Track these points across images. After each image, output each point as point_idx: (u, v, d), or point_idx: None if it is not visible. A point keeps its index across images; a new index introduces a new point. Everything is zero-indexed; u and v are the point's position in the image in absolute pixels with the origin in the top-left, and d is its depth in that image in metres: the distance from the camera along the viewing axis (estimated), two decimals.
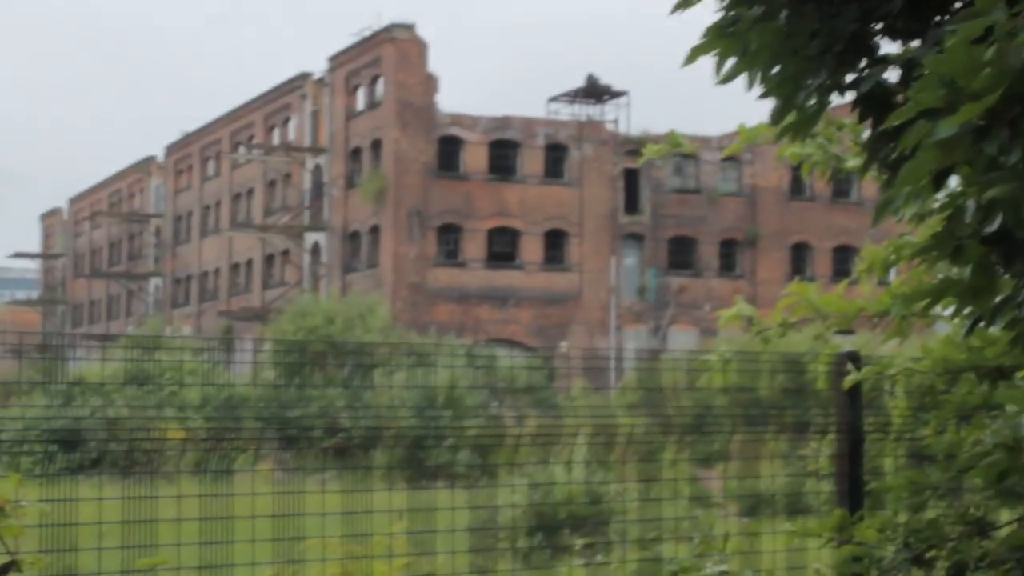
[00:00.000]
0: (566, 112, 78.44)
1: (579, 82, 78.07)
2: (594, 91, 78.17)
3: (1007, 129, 3.21)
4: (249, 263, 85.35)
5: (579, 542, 7.50)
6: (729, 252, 76.89)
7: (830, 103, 4.22)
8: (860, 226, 73.25)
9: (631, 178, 74.42)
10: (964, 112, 3.11)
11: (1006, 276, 3.76)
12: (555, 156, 73.34)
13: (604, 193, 73.59)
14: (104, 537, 5.45)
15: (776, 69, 4.15)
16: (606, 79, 78.39)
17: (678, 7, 4.19)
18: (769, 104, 4.28)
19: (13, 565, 4.81)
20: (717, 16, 4.17)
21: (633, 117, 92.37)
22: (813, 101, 4.19)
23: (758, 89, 4.19)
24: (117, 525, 5.37)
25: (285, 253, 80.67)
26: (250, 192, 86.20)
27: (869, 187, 67.77)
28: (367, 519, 6.18)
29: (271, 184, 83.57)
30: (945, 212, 3.66)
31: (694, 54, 4.14)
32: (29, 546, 4.85)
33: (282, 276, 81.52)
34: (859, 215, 74.49)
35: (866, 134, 4.43)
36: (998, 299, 3.80)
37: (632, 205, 74.91)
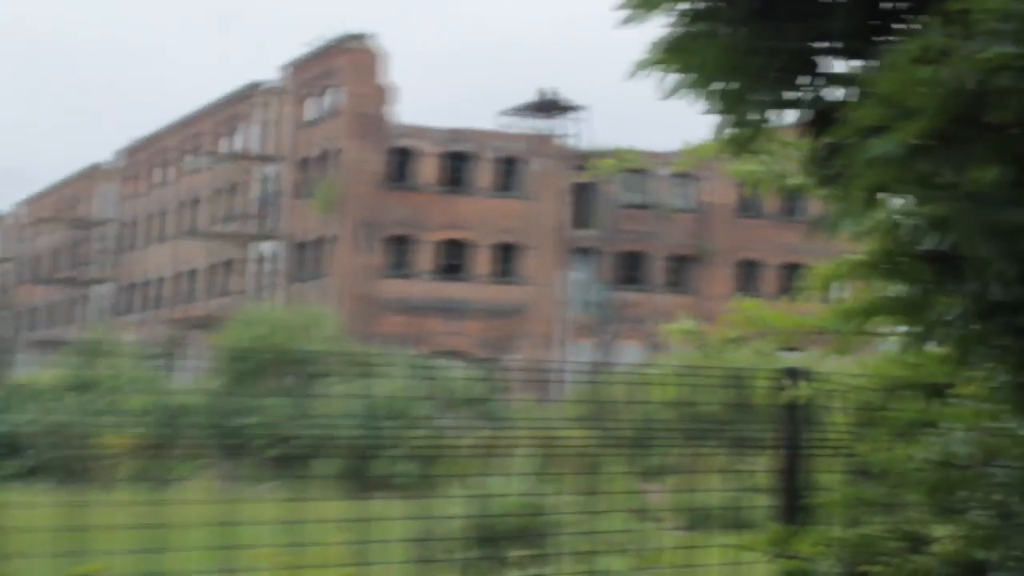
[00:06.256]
0: (522, 126, 78.51)
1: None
2: (545, 105, 78.25)
3: (942, 148, 3.23)
4: (197, 271, 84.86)
5: (516, 554, 7.49)
6: (678, 268, 77.13)
7: (771, 120, 4.23)
8: (808, 244, 73.61)
9: (583, 192, 74.57)
10: (899, 131, 3.12)
11: (941, 294, 3.78)
12: (507, 169, 73.39)
13: (556, 207, 73.71)
14: (37, 544, 5.40)
15: (719, 85, 4.16)
16: (572, 94, 78.53)
17: (626, 21, 4.20)
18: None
19: None
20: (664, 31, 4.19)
21: (599, 132, 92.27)
22: (755, 117, 4.20)
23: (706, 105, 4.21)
24: (50, 532, 5.31)
25: (233, 262, 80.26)
26: (199, 200, 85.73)
27: (818, 205, 67.97)
28: (308, 529, 6.15)
29: (220, 192, 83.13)
30: (881, 230, 3.69)
31: (638, 68, 4.16)
32: None
33: (230, 285, 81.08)
34: (807, 233, 74.84)
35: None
36: (933, 316, 3.84)
37: (583, 219, 75.04)
